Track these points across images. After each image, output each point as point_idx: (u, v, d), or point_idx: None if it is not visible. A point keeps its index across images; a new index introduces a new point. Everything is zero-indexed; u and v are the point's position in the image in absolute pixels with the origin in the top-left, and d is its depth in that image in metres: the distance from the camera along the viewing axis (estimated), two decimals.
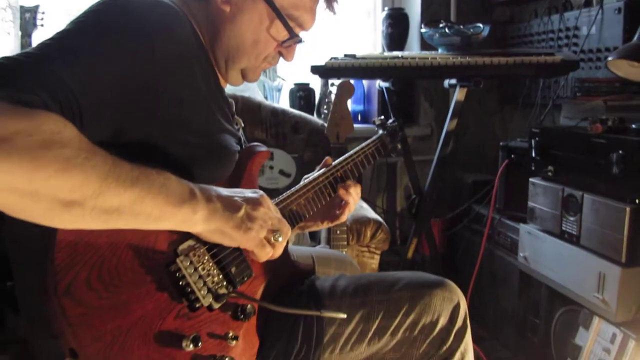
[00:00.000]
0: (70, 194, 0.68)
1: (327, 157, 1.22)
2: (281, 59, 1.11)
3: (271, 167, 2.34)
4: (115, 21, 0.84)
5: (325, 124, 1.87)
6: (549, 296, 1.91)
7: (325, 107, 1.88)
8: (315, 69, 2.08)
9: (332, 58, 2.12)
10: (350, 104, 2.75)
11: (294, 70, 2.81)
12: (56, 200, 0.68)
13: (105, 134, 0.81)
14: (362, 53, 2.31)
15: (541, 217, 1.87)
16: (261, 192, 0.94)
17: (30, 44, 2.31)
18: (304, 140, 2.47)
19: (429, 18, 2.69)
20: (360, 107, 2.90)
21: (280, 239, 0.91)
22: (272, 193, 2.29)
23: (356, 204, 1.21)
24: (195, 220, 0.83)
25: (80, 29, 0.82)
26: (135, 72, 0.83)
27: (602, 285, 1.59)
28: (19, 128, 0.65)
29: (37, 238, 0.74)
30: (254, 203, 0.90)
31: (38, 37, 2.32)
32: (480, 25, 2.10)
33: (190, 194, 0.83)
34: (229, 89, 2.62)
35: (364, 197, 2.69)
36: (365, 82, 2.87)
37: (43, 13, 2.33)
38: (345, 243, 1.84)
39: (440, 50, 2.27)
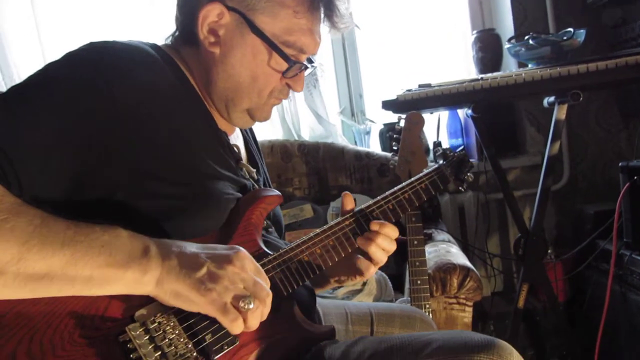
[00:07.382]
0: None
1: (344, 193, 1.03)
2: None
3: None
4: (71, 72, 0.80)
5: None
6: None
7: (394, 143, 1.71)
8: (387, 104, 1.94)
9: (405, 90, 1.97)
10: (431, 135, 2.54)
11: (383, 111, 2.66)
12: None
13: (59, 189, 0.75)
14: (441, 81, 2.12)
15: None
16: (239, 248, 0.80)
17: None
18: (391, 183, 2.29)
19: None
20: (458, 142, 2.66)
21: (250, 305, 0.74)
22: None
23: (388, 253, 0.98)
24: (146, 281, 0.72)
25: (31, 83, 0.79)
26: (88, 124, 0.77)
27: None
28: None
29: None
30: (222, 261, 0.76)
31: None
32: (571, 29, 1.80)
33: (143, 252, 0.73)
34: (312, 136, 2.57)
35: (465, 242, 2.40)
36: (461, 114, 2.63)
37: None
38: (428, 294, 1.60)
39: (530, 66, 1.99)
